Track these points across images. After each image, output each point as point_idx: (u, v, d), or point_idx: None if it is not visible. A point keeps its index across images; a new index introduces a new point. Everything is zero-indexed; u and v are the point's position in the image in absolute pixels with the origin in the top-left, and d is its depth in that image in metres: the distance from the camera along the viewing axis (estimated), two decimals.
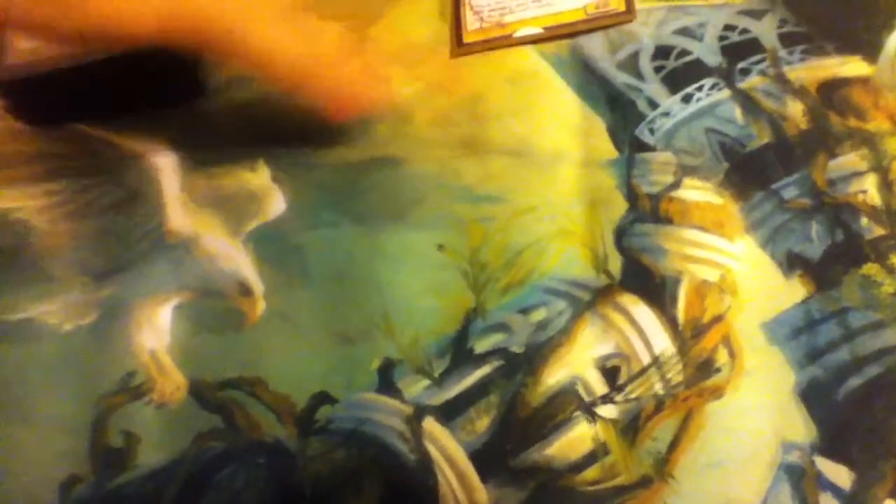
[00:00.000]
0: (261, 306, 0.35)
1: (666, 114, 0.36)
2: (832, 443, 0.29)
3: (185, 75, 0.39)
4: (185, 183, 0.37)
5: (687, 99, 0.37)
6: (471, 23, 0.39)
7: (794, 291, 0.32)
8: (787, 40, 0.37)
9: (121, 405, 0.33)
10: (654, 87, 0.37)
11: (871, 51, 0.36)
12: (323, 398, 0.33)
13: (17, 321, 0.35)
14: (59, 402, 0.34)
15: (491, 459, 0.31)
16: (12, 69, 0.36)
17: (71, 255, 0.37)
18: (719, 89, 0.37)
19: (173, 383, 0.34)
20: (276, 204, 0.37)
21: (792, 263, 0.33)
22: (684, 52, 0.38)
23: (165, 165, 0.38)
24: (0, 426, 0.33)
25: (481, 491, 0.30)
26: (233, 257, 0.36)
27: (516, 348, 0.32)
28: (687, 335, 0.32)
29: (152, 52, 0.34)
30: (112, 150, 0.38)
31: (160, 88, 0.38)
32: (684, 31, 0.38)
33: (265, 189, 0.37)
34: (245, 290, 0.35)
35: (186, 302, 0.35)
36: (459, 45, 0.39)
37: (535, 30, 0.39)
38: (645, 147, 0.36)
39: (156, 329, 0.35)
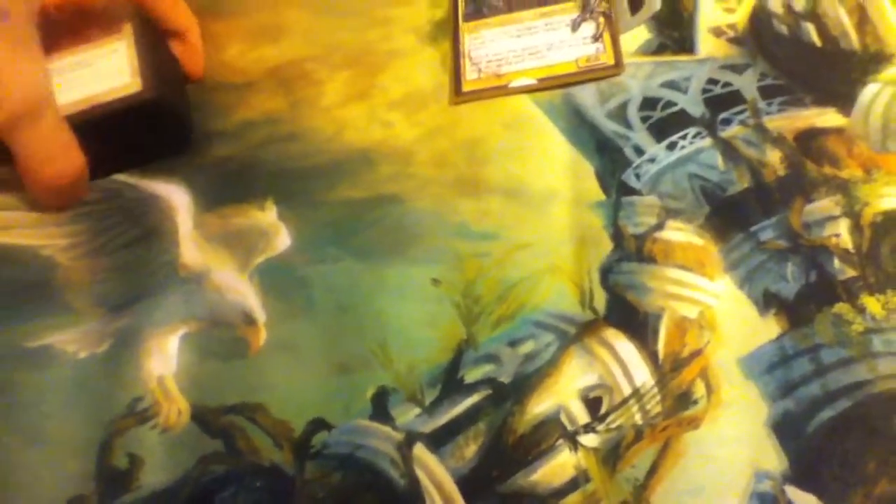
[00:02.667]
0: (263, 336, 0.36)
1: (652, 160, 0.38)
2: (803, 473, 0.30)
3: (167, 131, 0.41)
4: (198, 221, 0.39)
5: (672, 146, 0.39)
6: (469, 73, 0.42)
7: (769, 328, 0.33)
8: (766, 93, 0.39)
9: (127, 429, 0.35)
10: (640, 135, 0.39)
11: (845, 103, 0.38)
12: (319, 424, 0.34)
13: (36, 348, 0.36)
14: (70, 425, 0.35)
15: (478, 485, 0.32)
16: None
17: (90, 288, 0.38)
18: (702, 138, 0.38)
19: (177, 408, 0.35)
20: (282, 239, 0.38)
21: (768, 302, 0.34)
22: (670, 103, 0.40)
23: (180, 205, 0.40)
24: (15, 446, 0.34)
25: None
26: (239, 289, 0.37)
27: (505, 378, 0.34)
28: (667, 368, 0.33)
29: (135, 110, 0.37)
30: (133, 192, 0.40)
31: (142, 144, 0.40)
32: (670, 84, 0.40)
33: (272, 226, 0.39)
34: (249, 320, 0.36)
35: (194, 331, 0.37)
36: (458, 94, 0.41)
37: (529, 81, 0.41)
38: (631, 190, 0.38)
39: (164, 357, 0.36)
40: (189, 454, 0.34)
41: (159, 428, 0.35)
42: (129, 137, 0.39)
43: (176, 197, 0.40)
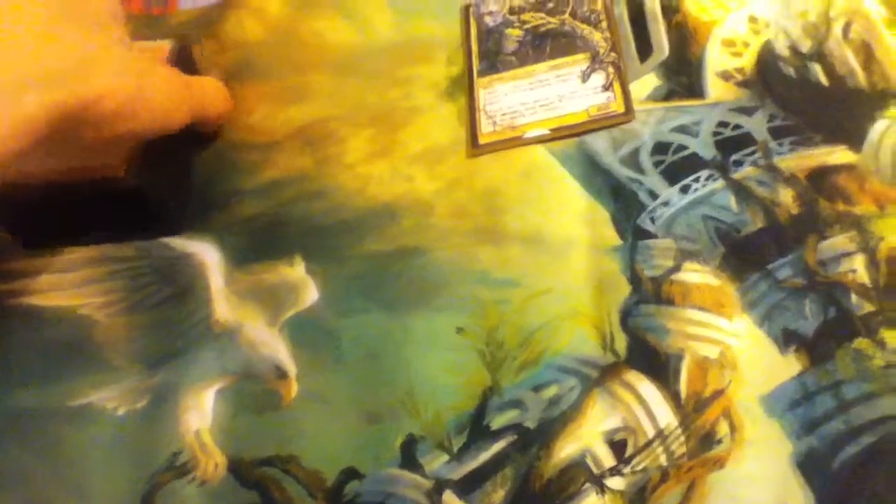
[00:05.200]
0: (295, 388, 0.37)
1: (665, 203, 0.39)
2: None
3: (145, 217, 0.41)
4: (229, 278, 0.40)
5: (685, 189, 0.39)
6: (485, 126, 0.43)
7: (790, 366, 0.34)
8: (776, 133, 0.40)
9: (167, 482, 0.35)
10: (654, 179, 0.40)
11: (855, 140, 0.39)
12: (351, 474, 0.34)
13: (78, 406, 0.37)
14: (112, 480, 0.36)
15: None
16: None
17: (127, 345, 0.39)
18: (714, 180, 0.39)
19: (214, 462, 0.36)
20: (311, 294, 0.39)
21: (787, 339, 0.34)
22: (681, 147, 0.41)
23: (211, 262, 0.41)
24: (61, 500, 0.35)
25: None
26: (270, 343, 0.38)
27: (530, 424, 0.34)
28: (689, 409, 0.33)
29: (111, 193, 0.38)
30: (166, 250, 0.41)
31: (118, 223, 0.41)
32: (681, 129, 0.41)
33: (301, 280, 0.40)
34: (281, 374, 0.37)
35: (228, 385, 0.38)
36: (475, 147, 0.42)
37: (542, 131, 0.42)
38: (647, 234, 0.38)
39: (200, 411, 0.37)
40: None
41: (197, 481, 0.35)
42: (105, 215, 0.40)
43: (207, 255, 0.41)
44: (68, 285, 0.41)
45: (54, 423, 0.37)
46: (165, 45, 0.43)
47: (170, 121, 0.38)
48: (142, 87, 0.36)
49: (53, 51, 0.32)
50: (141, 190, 0.39)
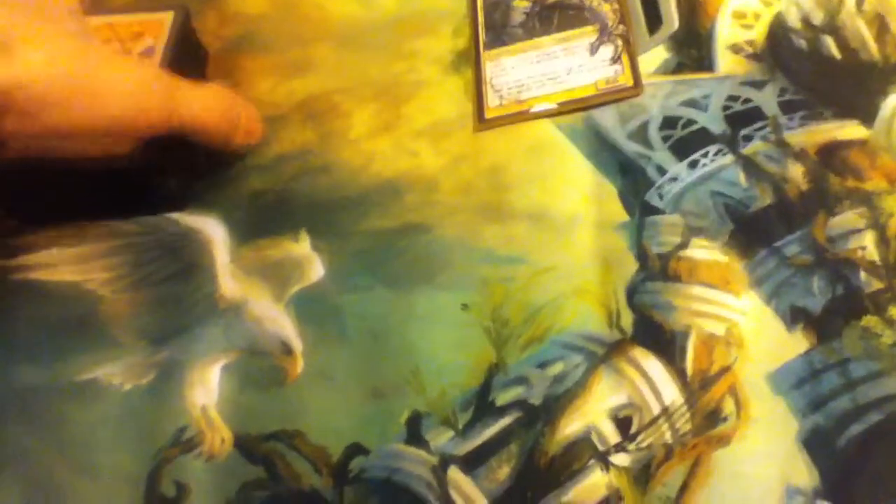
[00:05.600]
0: (300, 364, 0.37)
1: (674, 179, 0.39)
2: (835, 488, 0.30)
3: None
4: (235, 254, 0.40)
5: (693, 165, 0.39)
6: (491, 100, 0.42)
7: (797, 343, 0.34)
8: (787, 107, 0.39)
9: (174, 458, 0.36)
10: (662, 154, 0.40)
11: (866, 115, 0.38)
12: (357, 449, 0.35)
13: (83, 381, 0.38)
14: (119, 456, 0.36)
15: None
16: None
17: (133, 321, 0.39)
18: (723, 155, 0.39)
19: (220, 437, 0.36)
20: (316, 270, 0.39)
21: (795, 317, 0.34)
22: (690, 122, 0.40)
23: (217, 238, 0.40)
24: (67, 477, 0.36)
25: None
26: (276, 319, 0.38)
27: (535, 400, 0.34)
28: (695, 386, 0.33)
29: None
30: (171, 226, 0.41)
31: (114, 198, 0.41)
32: (690, 103, 0.41)
33: (306, 256, 0.40)
34: (287, 350, 0.37)
35: (234, 361, 0.38)
36: (481, 121, 0.42)
37: (549, 105, 0.41)
38: (654, 210, 0.38)
39: (206, 387, 0.37)
40: (233, 481, 0.35)
41: (204, 456, 0.36)
42: (105, 192, 0.40)
43: (213, 230, 0.41)
44: (73, 261, 0.41)
45: (60, 398, 0.37)
46: (166, 17, 0.43)
47: (132, 123, 0.36)
48: (84, 78, 0.34)
49: None
50: (143, 168, 0.39)
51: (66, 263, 0.41)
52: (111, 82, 0.35)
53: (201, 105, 0.38)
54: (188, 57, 0.44)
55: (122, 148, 0.37)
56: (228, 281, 0.40)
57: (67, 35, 0.34)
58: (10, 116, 0.33)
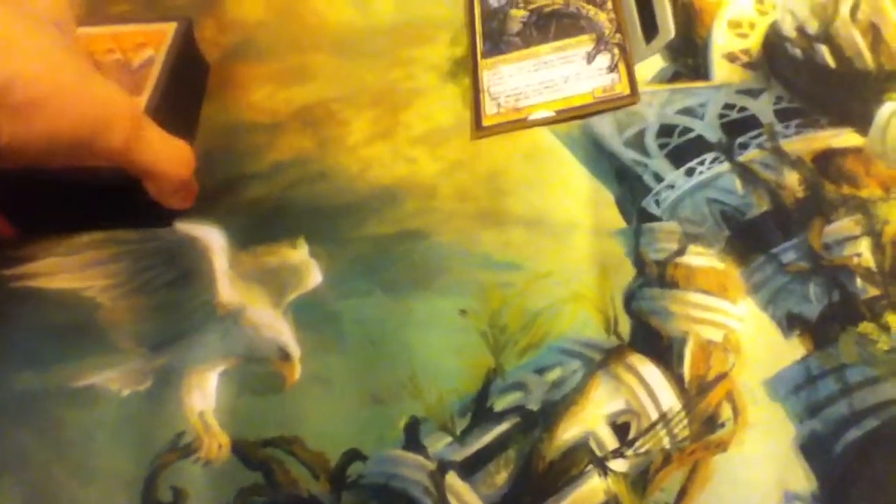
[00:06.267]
0: (298, 370, 0.37)
1: (670, 186, 0.39)
2: (832, 493, 0.30)
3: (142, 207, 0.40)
4: (233, 260, 0.40)
5: (690, 172, 0.39)
6: (489, 108, 0.43)
7: (793, 350, 0.34)
8: (782, 115, 0.40)
9: (171, 463, 0.36)
10: (659, 162, 0.40)
11: (861, 123, 0.39)
12: (354, 455, 0.34)
13: (82, 387, 0.38)
14: (117, 460, 0.36)
15: None
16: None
17: (131, 327, 0.39)
18: (720, 163, 0.39)
19: (218, 442, 0.36)
20: (314, 276, 0.39)
21: (791, 323, 0.34)
22: (687, 130, 0.40)
23: (215, 245, 0.41)
24: (66, 482, 0.36)
25: None
26: (274, 326, 0.38)
27: (533, 406, 0.34)
28: (693, 392, 0.34)
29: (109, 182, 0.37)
30: (169, 233, 0.41)
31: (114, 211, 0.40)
32: (686, 111, 0.41)
33: (304, 263, 0.40)
34: (285, 356, 0.37)
35: (231, 367, 0.38)
36: (479, 128, 0.42)
37: (547, 113, 0.42)
38: (651, 217, 0.38)
39: (204, 393, 0.37)
40: (230, 486, 0.35)
41: (201, 462, 0.36)
42: (101, 203, 0.40)
43: (211, 237, 0.41)
44: (73, 268, 0.41)
45: (58, 404, 0.37)
46: (169, 28, 0.43)
47: (101, 142, 0.35)
48: (77, 88, 0.34)
49: None
50: (136, 180, 0.39)
51: (66, 271, 0.41)
52: (93, 96, 0.35)
53: (162, 151, 0.38)
54: (188, 69, 0.44)
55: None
56: (227, 287, 0.40)
57: (59, 43, 0.34)
58: (4, 115, 0.32)
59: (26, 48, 0.32)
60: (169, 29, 0.43)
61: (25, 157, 0.34)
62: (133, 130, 0.36)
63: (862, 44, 0.41)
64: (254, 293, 0.40)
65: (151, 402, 0.37)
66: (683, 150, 0.40)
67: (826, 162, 0.38)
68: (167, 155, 0.38)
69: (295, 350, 0.38)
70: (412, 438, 0.35)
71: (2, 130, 0.32)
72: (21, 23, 0.33)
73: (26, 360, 0.39)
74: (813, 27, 0.42)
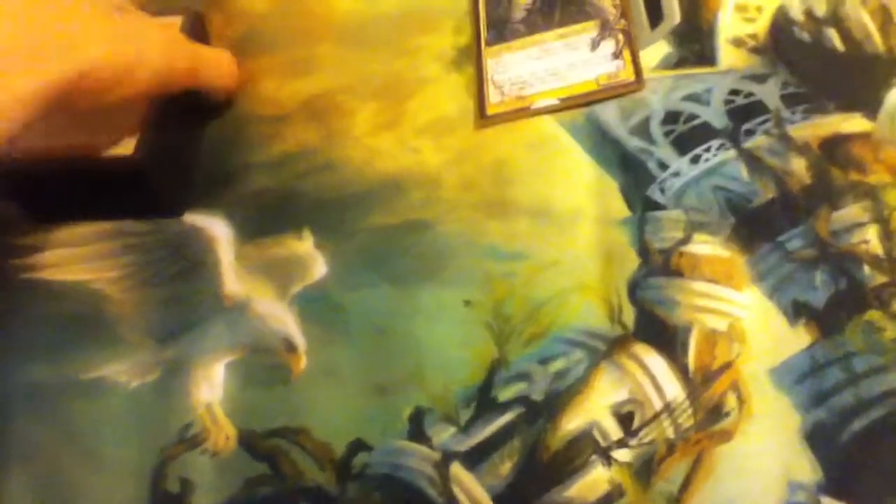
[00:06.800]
0: (304, 361, 0.37)
1: (675, 174, 0.39)
2: (838, 483, 0.30)
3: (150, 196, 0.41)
4: (239, 252, 0.40)
5: (695, 160, 0.39)
6: (493, 96, 0.42)
7: (799, 338, 0.33)
8: (789, 101, 0.39)
9: (179, 454, 0.36)
10: (664, 149, 0.39)
11: (870, 107, 0.38)
12: (360, 445, 0.35)
13: (90, 379, 0.38)
14: (125, 452, 0.36)
15: (514, 502, 0.33)
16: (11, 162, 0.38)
17: (139, 319, 0.39)
18: (726, 149, 0.38)
19: (225, 434, 0.36)
20: (319, 267, 0.39)
21: (797, 312, 0.34)
22: (692, 117, 0.40)
23: (221, 236, 0.41)
24: (75, 472, 0.36)
25: None
26: (280, 317, 0.38)
27: (537, 396, 0.34)
28: (697, 382, 0.33)
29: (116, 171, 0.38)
30: (176, 225, 0.41)
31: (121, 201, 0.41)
32: (692, 97, 0.40)
33: (309, 254, 0.40)
34: (290, 347, 0.37)
35: (238, 359, 0.38)
36: (483, 117, 0.42)
37: (551, 101, 0.41)
38: (656, 205, 0.38)
39: (211, 384, 0.38)
40: (237, 477, 0.35)
41: (208, 453, 0.36)
42: (110, 194, 0.40)
43: (217, 229, 0.41)
44: (80, 260, 0.41)
45: (66, 396, 0.38)
46: (177, 21, 0.43)
47: (170, 79, 0.39)
48: (140, 51, 0.36)
49: (35, 28, 0.32)
50: (144, 171, 0.39)
51: (74, 263, 0.41)
52: (154, 49, 0.37)
53: (215, 66, 0.44)
54: None
55: (125, 133, 0.38)
56: (232, 279, 0.40)
57: (115, 10, 0.36)
58: (84, 99, 0.34)
59: (86, 39, 0.34)
60: (177, 22, 0.43)
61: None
62: (190, 60, 0.41)
63: (871, 27, 0.40)
64: (259, 285, 0.40)
65: (159, 393, 0.38)
66: (689, 136, 0.39)
67: (833, 148, 0.37)
68: (219, 69, 0.44)
69: (300, 341, 0.38)
70: (417, 429, 0.35)
71: (80, 106, 0.35)
72: (85, 7, 0.35)
73: (35, 351, 0.39)
74: (821, 10, 0.41)
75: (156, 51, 0.37)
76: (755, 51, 0.41)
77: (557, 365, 0.35)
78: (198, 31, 0.44)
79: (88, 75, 0.33)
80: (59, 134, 0.37)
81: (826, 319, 0.34)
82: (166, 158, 0.41)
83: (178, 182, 0.43)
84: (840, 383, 0.32)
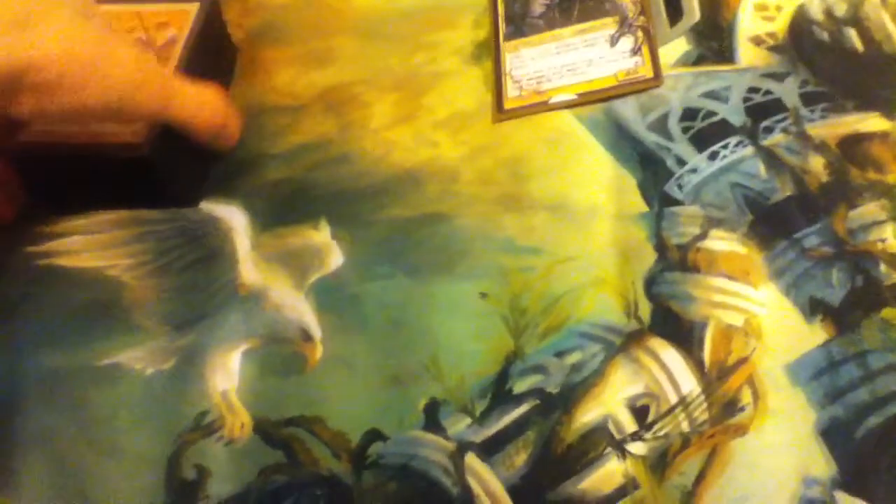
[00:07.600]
0: (320, 351, 0.37)
1: (693, 170, 0.39)
2: (852, 478, 0.30)
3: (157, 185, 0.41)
4: (256, 241, 0.41)
5: (713, 156, 0.39)
6: (511, 91, 0.43)
7: (815, 335, 0.34)
8: (808, 99, 0.39)
9: (194, 441, 0.36)
10: (682, 146, 0.40)
11: (889, 107, 0.38)
12: (375, 435, 0.35)
13: (107, 366, 0.38)
14: (141, 439, 0.36)
15: (528, 493, 0.33)
16: (26, 147, 0.39)
17: (155, 307, 0.40)
18: (744, 146, 0.39)
19: (240, 421, 0.36)
20: (336, 258, 0.40)
21: (813, 308, 0.34)
22: (711, 114, 0.40)
23: (238, 226, 0.41)
24: (91, 459, 0.36)
25: None
26: (296, 307, 0.39)
27: (552, 389, 0.34)
28: (713, 376, 0.34)
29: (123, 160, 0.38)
30: (193, 213, 0.42)
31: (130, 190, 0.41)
32: (711, 94, 0.41)
33: (326, 245, 0.40)
34: (306, 337, 0.38)
35: (254, 347, 0.38)
36: (501, 112, 0.42)
37: (569, 96, 0.42)
38: (674, 201, 0.38)
39: (227, 372, 0.38)
40: (252, 465, 0.35)
41: (224, 440, 0.36)
42: (116, 181, 0.40)
43: (234, 218, 0.41)
44: (97, 247, 0.42)
45: (83, 382, 0.38)
46: (191, 9, 0.43)
47: (135, 103, 0.37)
48: (96, 59, 0.35)
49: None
50: (156, 162, 0.39)
51: (91, 250, 0.42)
52: (118, 66, 0.36)
53: (194, 103, 0.39)
54: (211, 50, 0.44)
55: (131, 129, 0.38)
56: (249, 268, 0.40)
57: (78, 14, 0.35)
58: (27, 95, 0.33)
59: (42, 28, 0.33)
60: (192, 9, 0.43)
61: (58, 123, 0.36)
62: (163, 89, 0.38)
63: (891, 27, 0.40)
64: (276, 274, 0.40)
65: (175, 380, 0.38)
66: (707, 133, 0.39)
67: (852, 146, 0.37)
68: (199, 107, 0.40)
69: (316, 331, 0.38)
70: (432, 419, 0.35)
71: (23, 106, 0.33)
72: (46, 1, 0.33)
73: (51, 338, 0.39)
74: (841, 10, 0.41)
75: (120, 69, 0.35)
76: (774, 49, 0.41)
77: (573, 358, 0.35)
78: (213, 19, 0.44)
79: (38, 69, 0.32)
80: (64, 120, 0.37)
81: (842, 317, 0.34)
82: (175, 148, 0.40)
83: (188, 172, 0.43)
84: (855, 380, 0.32)
